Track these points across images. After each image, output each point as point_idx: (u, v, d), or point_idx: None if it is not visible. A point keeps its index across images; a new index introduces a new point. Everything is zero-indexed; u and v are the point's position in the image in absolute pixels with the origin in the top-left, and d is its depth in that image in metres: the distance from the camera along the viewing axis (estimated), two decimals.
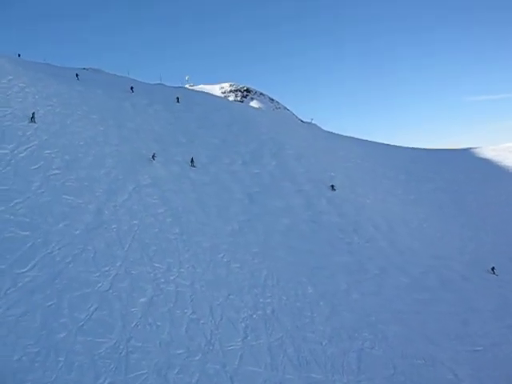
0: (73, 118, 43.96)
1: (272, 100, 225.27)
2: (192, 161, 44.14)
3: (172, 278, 29.24)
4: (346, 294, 34.28)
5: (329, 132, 72.18)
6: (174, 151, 48.77)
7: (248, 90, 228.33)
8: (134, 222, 33.45)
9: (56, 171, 35.03)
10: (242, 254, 35.62)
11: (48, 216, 28.67)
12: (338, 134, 71.88)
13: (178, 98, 58.26)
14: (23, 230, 27.00)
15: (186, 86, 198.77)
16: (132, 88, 56.75)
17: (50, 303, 22.42)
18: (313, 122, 79.75)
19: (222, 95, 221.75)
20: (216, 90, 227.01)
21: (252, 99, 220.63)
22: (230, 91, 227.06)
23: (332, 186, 52.17)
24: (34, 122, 36.64)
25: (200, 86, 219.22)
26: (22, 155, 34.55)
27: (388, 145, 74.33)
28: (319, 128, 73.83)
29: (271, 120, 65.75)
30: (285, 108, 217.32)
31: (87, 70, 67.12)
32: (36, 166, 34.25)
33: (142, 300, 24.77)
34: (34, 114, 36.66)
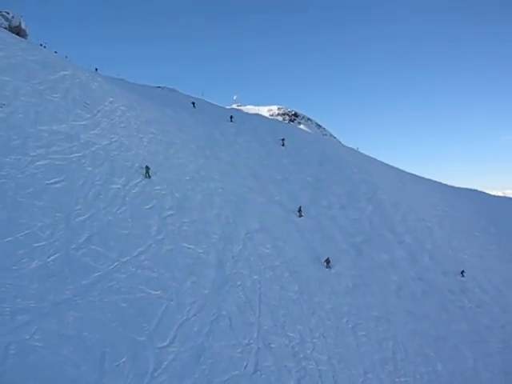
0: (174, 148, 42.56)
1: (319, 126, 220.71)
2: (300, 210, 43.58)
3: (309, 351, 27.71)
4: (475, 373, 33.31)
5: (409, 173, 66.02)
6: (273, 189, 46.72)
7: (296, 115, 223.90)
8: (255, 277, 31.70)
9: (170, 211, 32.71)
10: (364, 320, 34.28)
11: (174, 270, 27.31)
12: (418, 176, 66.23)
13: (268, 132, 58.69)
14: (153, 288, 24.94)
15: (234, 106, 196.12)
16: (232, 118, 60.78)
17: None
18: (358, 149, 74.61)
19: (270, 118, 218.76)
20: (264, 111, 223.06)
21: (299, 123, 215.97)
22: (278, 114, 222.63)
23: (430, 236, 49.99)
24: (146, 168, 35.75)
25: (248, 107, 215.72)
26: (134, 191, 32.18)
27: (468, 190, 68.74)
28: (397, 168, 67.52)
29: (360, 159, 62.64)
30: (331, 135, 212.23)
31: (162, 88, 63.62)
32: (150, 206, 31.86)
33: None
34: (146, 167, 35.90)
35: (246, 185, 43.53)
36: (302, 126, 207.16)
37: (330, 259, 38.29)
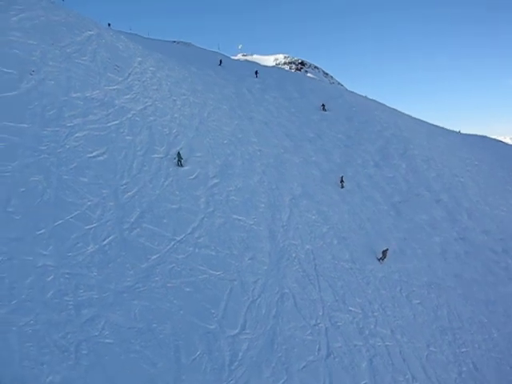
0: (207, 110, 40.54)
1: (326, 74, 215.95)
2: (342, 181, 40.91)
3: (372, 326, 26.60)
4: None
5: (434, 125, 63.65)
6: (308, 149, 45.08)
7: (303, 63, 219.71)
8: (307, 246, 30.38)
9: (214, 180, 31.23)
10: (416, 287, 33.03)
11: (231, 246, 26.18)
12: (442, 128, 63.97)
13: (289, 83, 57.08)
14: (214, 268, 23.78)
15: (239, 55, 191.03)
16: (257, 73, 58.69)
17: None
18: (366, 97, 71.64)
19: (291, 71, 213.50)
20: (270, 61, 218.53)
21: (306, 72, 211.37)
22: (285, 63, 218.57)
23: (465, 193, 48.40)
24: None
25: (254, 56, 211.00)
26: (176, 160, 29.90)
27: (492, 140, 66.73)
28: (423, 121, 64.98)
29: (387, 113, 61.56)
30: (338, 83, 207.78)
31: (178, 43, 60.42)
32: (194, 176, 30.38)
33: (364, 365, 23.22)
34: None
35: (281, 145, 41.83)
36: (309, 75, 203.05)
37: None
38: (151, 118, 31.88)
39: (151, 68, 38.58)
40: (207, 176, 30.30)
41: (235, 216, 28.06)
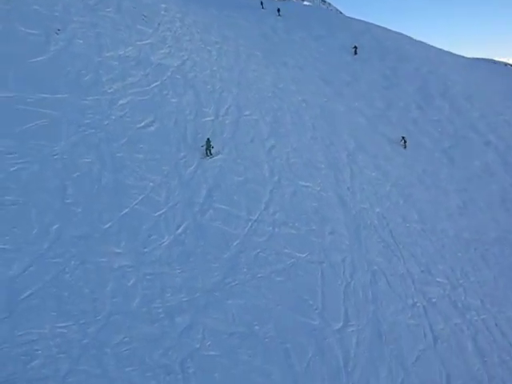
0: (242, 59, 37.97)
1: (324, 1, 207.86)
2: (404, 140, 38.51)
3: (463, 298, 25.38)
4: None
5: (461, 56, 60.66)
6: (347, 94, 43.04)
7: None
8: (377, 210, 28.93)
9: (271, 141, 29.07)
10: (488, 245, 31.62)
11: (308, 220, 24.29)
12: (471, 58, 60.98)
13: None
14: (298, 249, 22.03)
15: None
16: (279, 11, 55.61)
17: None
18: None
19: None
20: None
21: (303, 0, 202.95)
22: None
23: None
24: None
25: None
26: (227, 121, 28.17)
27: None
28: (451, 53, 61.89)
29: (419, 47, 59.37)
30: (337, 10, 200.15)
31: None
32: (250, 138, 28.15)
33: (470, 347, 22.08)
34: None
35: (321, 92, 39.85)
36: (305, 3, 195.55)
37: (430, 174, 36.37)
38: (191, 75, 29.26)
39: (178, 15, 35.54)
40: (262, 137, 28.23)
41: (301, 182, 26.26)
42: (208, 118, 26.75)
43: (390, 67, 48.54)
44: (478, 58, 71.74)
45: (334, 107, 37.26)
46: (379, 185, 29.93)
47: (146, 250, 17.82)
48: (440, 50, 63.36)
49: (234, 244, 19.87)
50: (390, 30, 59.61)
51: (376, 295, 20.68)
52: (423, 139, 39.63)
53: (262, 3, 53.07)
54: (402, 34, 61.83)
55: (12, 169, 17.39)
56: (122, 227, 18.16)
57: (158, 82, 26.74)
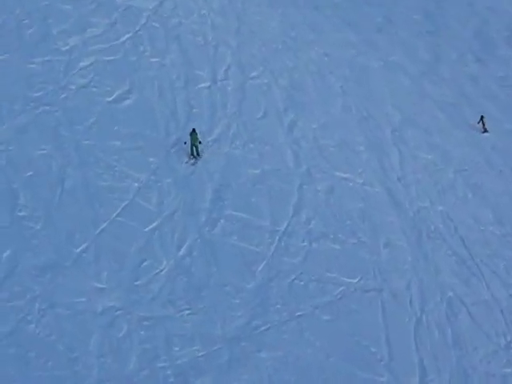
0: (251, 4, 37.62)
1: None
2: (483, 122, 37.15)
3: None
4: None
5: None
6: (381, 43, 43.04)
7: None
8: (440, 208, 29.05)
9: (290, 116, 29.08)
10: None
11: (355, 228, 24.62)
12: None
13: None
14: (347, 272, 21.82)
15: None
16: None
17: None
18: None
19: None
20: None
21: None
22: None
23: None
24: None
25: None
26: (230, 88, 28.34)
27: None
28: None
29: None
30: None
31: None
32: (262, 111, 28.19)
33: None
34: None
35: (347, 41, 39.71)
36: None
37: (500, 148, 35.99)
38: (174, 22, 28.89)
39: None
40: (278, 109, 27.83)
41: (338, 173, 26.06)
42: (203, 85, 26.43)
43: (435, 1, 47.39)
44: None
45: (367, 63, 37.41)
46: (439, 172, 30.07)
47: (138, 282, 17.35)
48: None
49: (260, 268, 19.51)
50: None
51: (458, 335, 20.64)
52: (488, 105, 39.63)
53: None
54: None
55: None
56: (101, 250, 17.65)
57: (130, 34, 26.29)
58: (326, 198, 23.81)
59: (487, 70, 41.99)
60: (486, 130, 35.52)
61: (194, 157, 21.42)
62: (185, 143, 21.79)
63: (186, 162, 21.42)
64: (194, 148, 21.49)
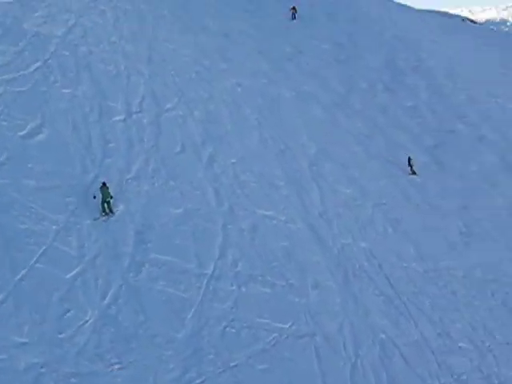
0: (148, 24, 38.07)
1: None
2: (410, 164, 38.43)
3: (496, 369, 25.60)
4: None
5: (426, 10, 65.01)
6: (292, 72, 43.95)
7: None
8: (363, 245, 29.69)
9: (208, 149, 29.73)
10: (508, 286, 32.40)
11: (282, 270, 25.00)
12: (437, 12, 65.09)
13: None
14: (277, 318, 21.96)
15: None
16: None
17: None
18: None
19: None
20: None
21: None
22: None
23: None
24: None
25: None
26: (145, 121, 28.46)
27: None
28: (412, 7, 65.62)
29: (377, 4, 61.52)
30: None
31: None
32: (179, 145, 28.71)
33: None
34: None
35: (259, 70, 40.46)
36: None
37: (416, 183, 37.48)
38: (84, 49, 28.53)
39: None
40: (195, 144, 27.93)
41: (260, 211, 26.19)
42: (118, 117, 26.22)
43: (346, 31, 49.83)
44: (430, 11, 75.52)
45: (279, 93, 37.95)
46: (358, 207, 30.53)
47: (62, 335, 16.84)
48: (403, 5, 65.67)
49: (189, 316, 19.32)
50: None
51: (393, 378, 21.12)
52: (400, 136, 41.20)
53: None
54: None
55: None
56: (20, 300, 17.15)
57: (39, 63, 25.73)
58: (250, 237, 23.89)
59: (397, 99, 43.58)
60: (414, 173, 36.80)
61: (107, 213, 20.45)
62: (94, 197, 20.57)
63: (96, 219, 20.39)
64: (106, 204, 20.35)
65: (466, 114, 46.11)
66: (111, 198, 20.45)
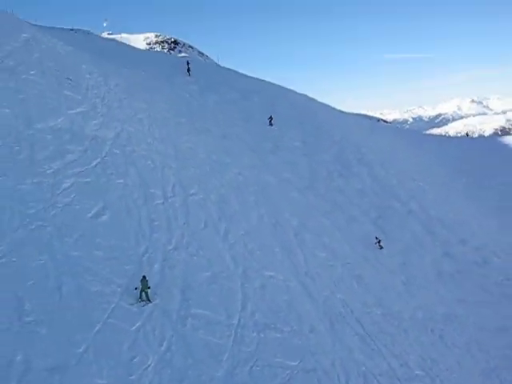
0: (172, 128, 37.62)
1: (202, 54, 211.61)
2: (379, 242, 38.44)
3: None
4: None
5: (357, 114, 65.76)
6: (274, 163, 43.50)
7: (176, 42, 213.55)
8: (338, 296, 29.67)
9: (223, 225, 29.06)
10: (441, 324, 32.46)
11: (287, 319, 24.38)
12: (367, 117, 65.97)
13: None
14: (289, 356, 21.49)
15: (104, 33, 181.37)
16: (189, 71, 55.16)
17: None
18: None
19: (148, 46, 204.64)
20: (140, 40, 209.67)
21: (180, 52, 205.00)
22: (156, 42, 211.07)
23: (428, 200, 49.50)
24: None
25: (122, 35, 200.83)
26: (177, 204, 27.76)
27: (439, 136, 70.15)
28: (347, 112, 66.55)
29: (326, 111, 63.89)
30: (216, 64, 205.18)
31: (76, 32, 55.40)
32: (203, 222, 28.05)
33: None
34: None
35: (252, 162, 40.54)
36: (183, 54, 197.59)
37: (368, 246, 37.40)
38: (129, 149, 28.25)
39: (100, 78, 34.29)
40: (213, 220, 27.49)
41: (267, 273, 25.82)
42: (158, 201, 25.69)
43: (307, 132, 51.86)
44: (357, 114, 77.00)
45: (267, 180, 37.64)
46: (331, 267, 30.45)
47: (132, 377, 16.08)
48: (342, 112, 66.69)
49: (224, 358, 18.57)
50: (303, 95, 61.66)
51: None
52: (354, 211, 41.33)
53: (188, 70, 52.08)
54: (306, 95, 64.16)
55: None
56: (98, 349, 16.16)
57: (99, 160, 25.24)
58: (261, 293, 23.40)
59: (349, 183, 43.36)
60: (381, 247, 37.17)
61: (144, 301, 19.17)
62: (135, 289, 19.38)
63: (132, 305, 19.08)
64: (144, 294, 19.07)
65: (398, 194, 46.41)
66: (149, 288, 19.19)
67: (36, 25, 45.87)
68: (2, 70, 25.31)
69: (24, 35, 30.18)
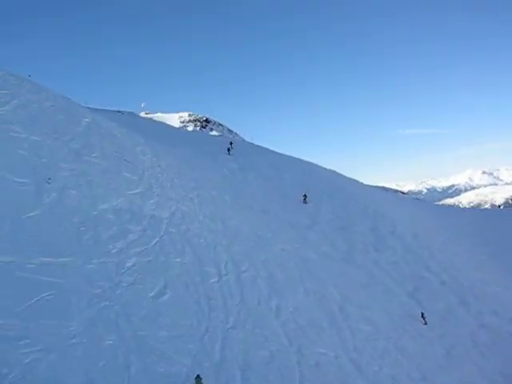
0: (219, 206, 37.56)
1: (231, 131, 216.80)
2: (423, 317, 37.20)
3: None
4: None
5: (382, 188, 65.01)
6: (315, 239, 43.65)
7: (207, 120, 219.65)
8: (385, 370, 27.91)
9: (274, 301, 28.10)
10: None
11: None
12: (393, 191, 65.35)
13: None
14: None
15: (142, 113, 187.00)
16: (229, 150, 56.34)
17: None
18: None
19: (181, 124, 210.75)
20: (175, 119, 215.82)
21: (211, 129, 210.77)
22: (189, 121, 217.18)
23: (459, 270, 47.84)
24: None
25: (157, 115, 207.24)
26: (231, 281, 27.19)
27: (462, 209, 69.14)
28: (375, 186, 66.07)
29: (354, 186, 64.11)
30: (243, 140, 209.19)
31: (122, 113, 56.89)
32: (256, 299, 27.29)
33: None
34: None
35: (291, 237, 40.24)
36: (214, 132, 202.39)
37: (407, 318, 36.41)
38: (184, 228, 28.11)
39: (154, 158, 35.00)
40: (264, 297, 27.07)
41: (318, 349, 25.38)
42: (213, 280, 25.30)
43: (340, 205, 51.45)
44: (376, 186, 77.13)
45: (308, 255, 37.16)
46: (375, 341, 29.33)
47: None
48: (369, 186, 66.63)
49: None
50: (332, 171, 62.03)
51: None
52: (390, 284, 40.15)
53: (229, 150, 53.14)
54: (334, 170, 64.67)
55: (26, 360, 14.35)
56: None
57: (157, 239, 25.13)
58: (316, 370, 22.92)
59: (383, 255, 42.83)
60: (425, 323, 36.20)
61: None
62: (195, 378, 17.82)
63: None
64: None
65: (429, 265, 45.70)
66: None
67: (89, 107, 47.12)
68: (68, 154, 25.33)
69: (85, 120, 30.49)
